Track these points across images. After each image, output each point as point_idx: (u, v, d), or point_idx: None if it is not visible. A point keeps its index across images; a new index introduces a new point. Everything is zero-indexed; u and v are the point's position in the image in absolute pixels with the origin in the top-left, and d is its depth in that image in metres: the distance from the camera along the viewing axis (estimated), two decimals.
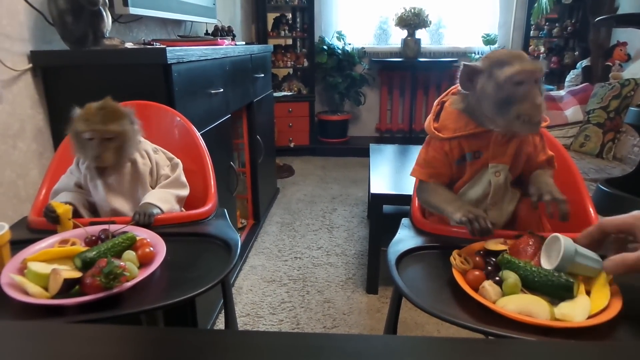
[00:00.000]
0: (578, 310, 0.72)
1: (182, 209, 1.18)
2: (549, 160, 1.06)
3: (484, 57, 0.98)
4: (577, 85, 3.33)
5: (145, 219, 0.99)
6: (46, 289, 0.75)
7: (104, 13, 1.46)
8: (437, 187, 1.08)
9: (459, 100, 1.02)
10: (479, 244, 0.92)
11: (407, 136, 4.56)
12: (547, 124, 1.01)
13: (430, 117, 1.09)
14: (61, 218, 0.96)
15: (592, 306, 0.74)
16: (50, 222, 0.97)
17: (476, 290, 0.79)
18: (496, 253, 0.88)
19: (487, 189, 1.03)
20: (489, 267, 0.84)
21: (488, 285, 0.77)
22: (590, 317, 0.72)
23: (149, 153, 1.14)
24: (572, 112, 2.94)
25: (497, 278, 0.80)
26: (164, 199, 1.08)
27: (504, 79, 0.92)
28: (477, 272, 0.81)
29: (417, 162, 1.13)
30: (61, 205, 0.97)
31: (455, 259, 0.84)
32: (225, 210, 1.14)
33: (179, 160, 1.20)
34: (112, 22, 1.56)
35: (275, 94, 3.50)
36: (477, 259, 0.86)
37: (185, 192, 1.17)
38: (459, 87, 1.00)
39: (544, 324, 0.70)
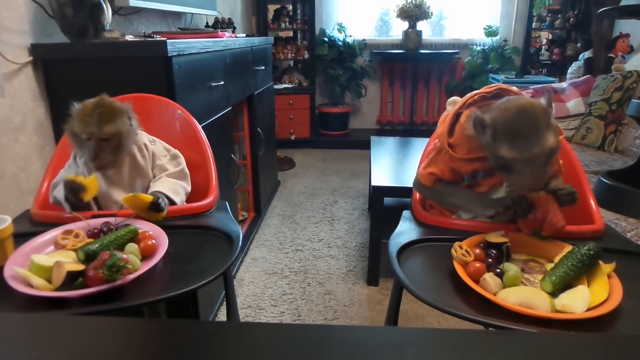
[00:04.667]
0: (578, 301, 0.73)
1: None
2: (559, 169, 1.05)
3: (496, 111, 0.91)
4: (579, 77, 3.32)
5: (166, 204, 1.01)
6: (49, 281, 0.76)
7: (104, 5, 1.46)
8: (453, 189, 1.07)
9: (472, 127, 0.96)
10: (479, 236, 0.92)
11: (408, 128, 4.55)
12: (561, 138, 0.99)
13: (444, 128, 1.05)
14: (86, 184, 0.98)
15: (592, 298, 0.74)
16: (75, 197, 0.98)
17: (477, 282, 0.79)
18: (497, 245, 0.89)
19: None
20: (490, 259, 0.84)
21: (489, 277, 0.78)
22: (590, 308, 0.72)
23: (146, 145, 1.14)
24: (574, 104, 2.93)
25: (498, 270, 0.81)
26: (175, 191, 1.10)
27: (500, 155, 0.89)
28: (477, 264, 0.82)
29: (424, 167, 1.11)
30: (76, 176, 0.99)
31: (456, 251, 0.85)
32: (227, 202, 1.15)
33: (177, 151, 1.20)
34: (112, 14, 1.55)
35: (275, 87, 3.50)
36: (478, 251, 0.86)
37: (189, 186, 1.18)
38: (473, 129, 0.95)
39: (544, 316, 0.70)
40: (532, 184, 0.89)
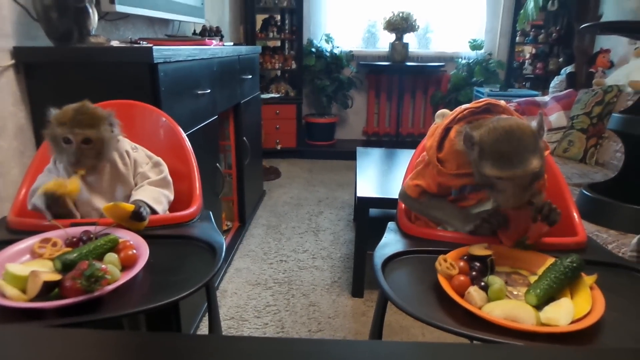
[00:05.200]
0: (562, 314, 0.73)
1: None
2: (543, 183, 1.07)
3: (485, 129, 0.92)
4: (561, 91, 3.38)
5: (148, 213, 1.00)
6: (24, 291, 0.73)
7: (90, 10, 1.44)
8: (436, 202, 1.08)
9: (462, 143, 0.97)
10: (463, 249, 0.92)
11: (393, 140, 4.58)
12: (547, 153, 1.00)
13: (433, 142, 1.05)
14: (64, 193, 0.98)
15: (575, 310, 0.75)
16: (56, 206, 0.99)
17: (462, 295, 0.79)
18: (480, 258, 0.89)
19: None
20: (474, 272, 0.84)
21: (473, 291, 0.78)
22: (574, 321, 0.72)
23: (128, 152, 1.12)
24: (556, 117, 2.98)
25: (482, 283, 0.80)
26: (157, 200, 1.08)
27: (484, 173, 0.91)
28: (462, 278, 0.81)
29: (412, 178, 1.11)
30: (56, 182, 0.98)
31: (440, 264, 0.84)
32: (211, 212, 1.13)
33: (159, 159, 1.18)
34: (98, 19, 1.53)
35: (262, 96, 3.49)
36: (462, 263, 0.86)
37: (172, 195, 1.16)
38: (463, 144, 0.96)
39: (530, 329, 0.70)
40: (513, 203, 0.91)
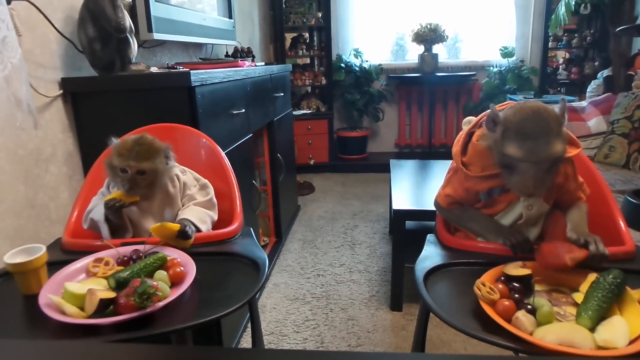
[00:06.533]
0: (618, 334, 0.70)
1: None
2: (581, 187, 1.05)
3: (511, 109, 0.93)
4: (598, 95, 3.29)
5: (193, 232, 1.04)
6: (82, 308, 0.77)
7: (131, 39, 1.52)
8: (470, 214, 1.08)
9: (486, 137, 0.99)
10: (497, 270, 0.90)
11: (426, 151, 4.54)
12: (579, 151, 0.98)
13: (458, 147, 1.06)
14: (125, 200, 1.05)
15: (629, 328, 0.72)
16: (115, 214, 1.06)
17: (507, 320, 0.76)
18: (517, 278, 0.86)
19: (519, 218, 1.02)
20: (516, 295, 0.81)
21: (522, 316, 0.75)
22: (631, 340, 0.69)
23: (177, 175, 1.17)
24: (595, 122, 2.90)
25: (529, 307, 0.77)
26: (202, 220, 1.12)
27: (507, 153, 0.90)
28: (506, 302, 0.78)
29: (443, 187, 1.12)
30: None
31: (480, 289, 0.81)
32: (251, 229, 1.16)
33: (207, 181, 1.22)
34: (137, 47, 1.61)
35: (294, 113, 3.54)
36: (501, 286, 0.83)
37: (216, 215, 1.19)
38: (485, 125, 0.98)
39: (591, 355, 0.67)
40: (532, 188, 0.89)
